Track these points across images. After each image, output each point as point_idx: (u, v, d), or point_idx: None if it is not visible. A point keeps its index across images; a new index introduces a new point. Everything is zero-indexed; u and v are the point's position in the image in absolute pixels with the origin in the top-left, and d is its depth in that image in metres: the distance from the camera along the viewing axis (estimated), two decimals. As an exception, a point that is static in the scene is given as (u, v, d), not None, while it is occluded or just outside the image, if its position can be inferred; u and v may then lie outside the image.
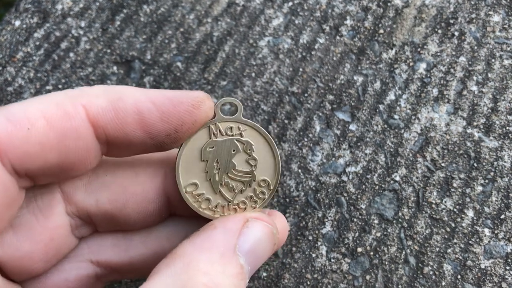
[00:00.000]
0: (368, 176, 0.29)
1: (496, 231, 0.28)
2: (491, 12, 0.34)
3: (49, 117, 0.17)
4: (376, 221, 0.28)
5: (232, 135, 0.20)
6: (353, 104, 0.31)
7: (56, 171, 0.18)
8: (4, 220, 0.18)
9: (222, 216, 0.20)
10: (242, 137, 0.20)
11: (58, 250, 0.20)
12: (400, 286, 0.27)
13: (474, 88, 0.32)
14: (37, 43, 0.34)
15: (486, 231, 0.28)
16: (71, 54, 0.33)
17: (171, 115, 0.19)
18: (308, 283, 0.27)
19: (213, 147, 0.20)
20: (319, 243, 0.28)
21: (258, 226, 0.19)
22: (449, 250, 0.27)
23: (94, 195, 0.20)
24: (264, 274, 0.27)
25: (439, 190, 0.29)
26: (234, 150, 0.20)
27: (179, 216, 0.22)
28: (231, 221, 0.19)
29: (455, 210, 0.28)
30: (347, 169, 0.30)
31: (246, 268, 0.19)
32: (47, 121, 0.17)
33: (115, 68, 0.33)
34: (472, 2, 0.35)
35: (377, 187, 0.29)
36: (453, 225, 0.28)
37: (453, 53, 0.33)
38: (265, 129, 0.30)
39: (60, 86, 0.32)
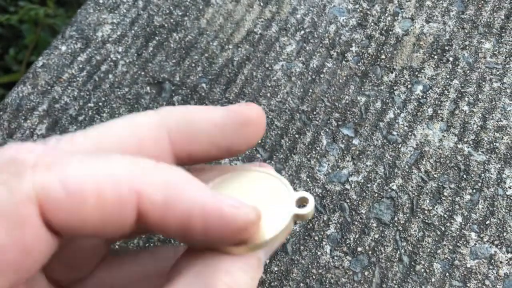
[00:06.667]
0: (369, 185, 0.33)
1: (481, 235, 0.31)
2: (483, 40, 0.38)
3: (102, 197, 0.17)
4: (374, 224, 0.32)
5: None
6: (356, 121, 0.35)
7: (90, 236, 0.18)
8: (43, 264, 0.18)
9: None
10: None
11: (99, 255, 0.22)
12: (394, 281, 0.30)
13: (466, 108, 0.36)
14: (80, 65, 0.39)
15: (473, 234, 0.31)
16: (110, 76, 0.38)
17: (213, 231, 0.18)
18: (314, 277, 0.31)
19: None
20: (324, 243, 0.31)
21: None
22: (439, 251, 0.31)
23: None
24: (275, 268, 0.31)
25: (431, 198, 0.33)
26: None
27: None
28: None
29: (445, 216, 0.32)
30: (350, 179, 0.33)
31: (263, 258, 0.20)
32: (99, 200, 0.17)
33: (148, 88, 0.37)
34: (466, 31, 0.39)
35: (376, 195, 0.33)
36: (443, 229, 0.32)
37: (447, 76, 0.37)
38: (277, 142, 0.34)
39: (100, 104, 0.37)
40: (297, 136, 0.35)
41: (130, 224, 0.18)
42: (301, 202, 0.20)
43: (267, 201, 0.20)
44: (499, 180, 0.33)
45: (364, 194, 0.33)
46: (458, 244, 0.31)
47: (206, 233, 0.18)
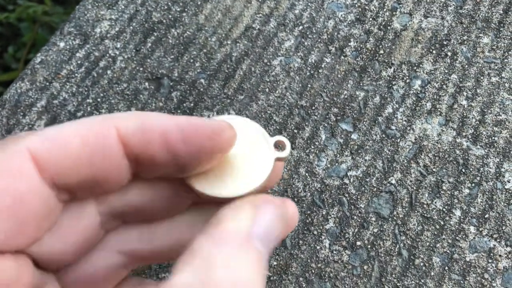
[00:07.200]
0: (367, 180, 0.33)
1: (480, 229, 0.31)
2: (481, 35, 0.38)
3: (83, 136, 0.18)
4: (373, 219, 0.32)
5: None
6: (355, 116, 0.35)
7: (90, 185, 0.19)
8: (43, 229, 0.19)
9: (232, 205, 0.20)
10: None
11: (88, 245, 0.22)
12: (393, 275, 0.30)
13: (464, 102, 0.36)
14: (79, 62, 0.39)
15: (472, 228, 0.31)
16: (108, 72, 0.38)
17: (192, 139, 0.19)
18: (313, 271, 0.31)
19: None
20: (323, 237, 0.31)
21: (269, 209, 0.20)
22: (438, 245, 0.31)
23: (125, 194, 0.21)
24: (275, 263, 0.31)
25: (430, 192, 0.33)
26: None
27: (199, 206, 0.23)
28: (241, 210, 0.20)
29: (444, 210, 0.32)
30: (349, 173, 0.33)
31: (263, 251, 0.19)
32: (82, 139, 0.18)
33: (146, 84, 0.37)
34: (464, 26, 0.39)
35: (375, 189, 0.33)
36: (442, 223, 0.32)
37: (446, 71, 0.37)
38: (276, 137, 0.34)
39: (99, 100, 0.37)
40: (295, 131, 0.35)
41: (120, 159, 0.19)
42: (279, 145, 0.22)
43: (249, 148, 0.22)
44: (498, 174, 0.33)
45: (363, 188, 0.33)
46: (457, 238, 0.31)
47: (186, 142, 0.19)
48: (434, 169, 0.33)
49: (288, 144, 0.22)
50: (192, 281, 0.17)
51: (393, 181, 0.33)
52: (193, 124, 0.19)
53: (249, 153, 0.22)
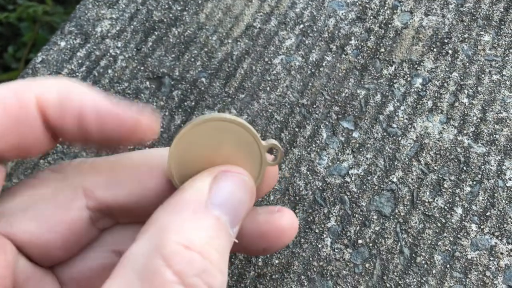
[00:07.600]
0: (369, 178, 0.33)
1: (482, 227, 0.31)
2: (482, 32, 0.38)
3: (6, 104, 0.19)
4: (375, 217, 0.32)
5: None
6: (356, 114, 0.35)
7: (15, 151, 0.20)
8: None
9: (192, 178, 0.21)
10: None
11: (78, 240, 0.22)
12: (395, 273, 0.30)
13: (465, 100, 0.36)
14: (80, 61, 0.39)
15: (473, 226, 0.31)
16: (109, 71, 0.38)
17: (107, 126, 0.20)
18: (315, 269, 0.31)
19: None
20: (324, 235, 0.31)
21: (227, 178, 0.20)
22: (439, 243, 0.31)
23: (113, 191, 0.22)
24: (276, 261, 0.31)
25: (432, 190, 0.33)
26: None
27: None
28: (199, 179, 0.20)
29: (445, 207, 0.32)
30: (350, 172, 0.33)
31: (223, 218, 0.19)
32: (4, 107, 0.19)
33: (147, 83, 0.37)
34: (465, 23, 0.39)
35: (376, 187, 0.33)
36: (443, 220, 0.32)
37: (447, 69, 0.37)
38: (277, 136, 0.34)
39: (100, 99, 0.37)
40: (297, 129, 0.35)
41: (39, 126, 0.20)
42: (271, 151, 0.21)
43: (239, 154, 0.21)
44: (499, 172, 0.33)
45: (364, 186, 0.33)
46: (458, 235, 0.31)
47: (100, 126, 0.19)
48: (435, 167, 0.33)
49: (281, 150, 0.22)
50: (147, 247, 0.17)
51: (395, 179, 0.33)
52: (113, 110, 0.20)
53: (240, 158, 0.22)
